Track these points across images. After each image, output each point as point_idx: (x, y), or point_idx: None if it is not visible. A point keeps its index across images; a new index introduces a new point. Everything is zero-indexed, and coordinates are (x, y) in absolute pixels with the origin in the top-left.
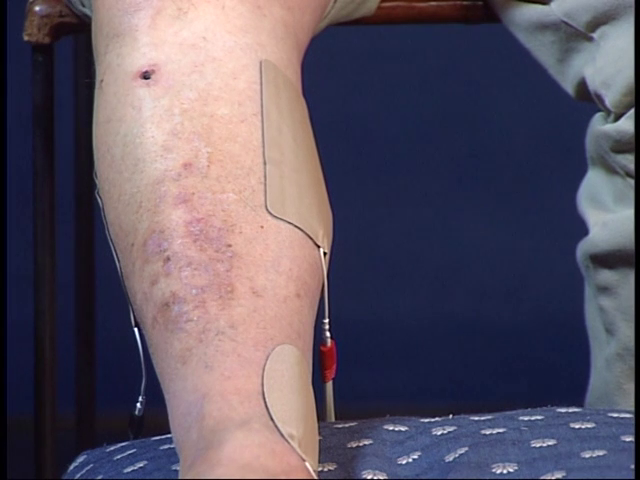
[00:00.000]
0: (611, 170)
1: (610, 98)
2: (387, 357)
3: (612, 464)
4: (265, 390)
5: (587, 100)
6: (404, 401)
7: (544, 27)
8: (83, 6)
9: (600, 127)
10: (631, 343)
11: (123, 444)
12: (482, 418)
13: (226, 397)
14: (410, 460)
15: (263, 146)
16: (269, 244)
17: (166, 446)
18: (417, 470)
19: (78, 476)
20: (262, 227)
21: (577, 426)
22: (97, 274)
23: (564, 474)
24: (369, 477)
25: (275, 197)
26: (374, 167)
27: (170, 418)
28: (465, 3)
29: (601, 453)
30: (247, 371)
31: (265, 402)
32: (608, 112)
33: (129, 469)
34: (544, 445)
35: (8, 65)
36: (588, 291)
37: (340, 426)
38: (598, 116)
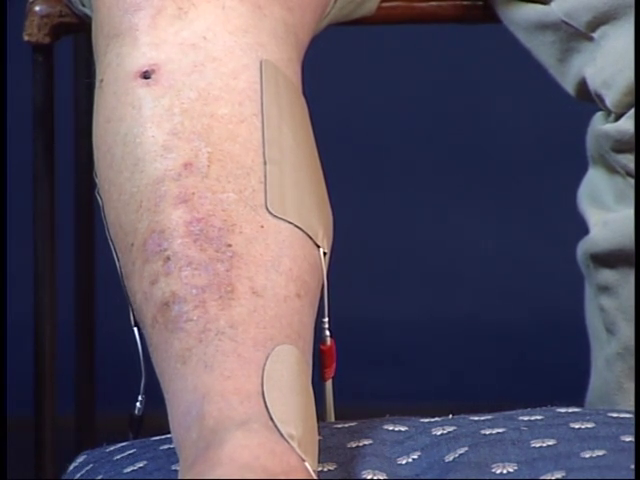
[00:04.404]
0: (612, 169)
1: (610, 98)
2: (387, 357)
3: (612, 464)
4: (265, 390)
5: (587, 100)
6: (404, 401)
7: (544, 27)
8: (83, 6)
9: (600, 127)
10: (631, 343)
11: (123, 444)
12: (482, 418)
13: (226, 397)
14: (410, 460)
15: (263, 146)
16: (269, 244)
17: (166, 446)
18: (417, 470)
19: (78, 476)
20: (262, 227)
21: (577, 426)
22: (97, 274)
23: (564, 474)
24: (369, 477)
25: (275, 197)
26: (374, 167)
27: (170, 418)
28: (465, 3)
29: (601, 453)
30: (247, 371)
31: (265, 402)
32: (608, 112)
33: (129, 469)
34: (544, 445)
35: (8, 65)
36: (588, 291)
37: (340, 426)
38: (599, 115)
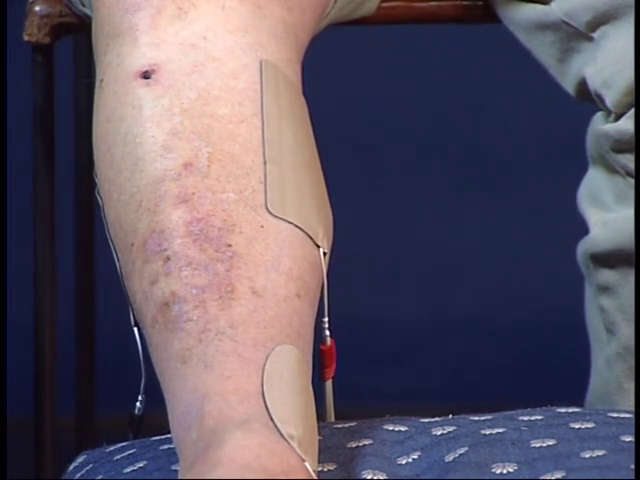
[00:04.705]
0: (612, 169)
1: (610, 98)
2: (387, 357)
3: (612, 464)
4: (265, 390)
5: (587, 100)
6: (404, 401)
7: (544, 27)
8: (83, 6)
9: (600, 127)
10: (631, 343)
11: (123, 444)
12: (482, 418)
13: (226, 397)
14: (410, 460)
15: (263, 146)
16: (269, 244)
17: (166, 446)
18: (417, 470)
19: (78, 476)
20: (262, 227)
21: (577, 426)
22: (97, 274)
23: (564, 474)
24: (369, 477)
25: (275, 197)
26: (374, 167)
27: (170, 418)
28: (465, 3)
29: (601, 453)
30: (247, 371)
31: (265, 402)
32: (608, 112)
33: (129, 469)
34: (544, 445)
35: (8, 65)
36: (588, 291)
37: (340, 426)
38: (598, 115)
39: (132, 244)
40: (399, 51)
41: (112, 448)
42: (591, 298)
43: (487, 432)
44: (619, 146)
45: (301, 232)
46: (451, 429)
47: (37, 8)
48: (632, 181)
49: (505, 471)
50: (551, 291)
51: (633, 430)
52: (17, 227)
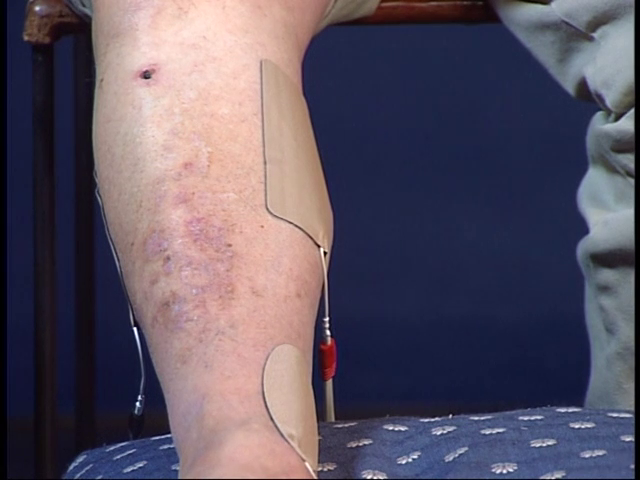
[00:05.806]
0: (612, 169)
1: (610, 98)
2: (387, 357)
3: (612, 464)
4: (265, 390)
5: (587, 100)
6: (404, 401)
7: (544, 27)
8: (83, 6)
9: (600, 126)
10: (631, 343)
11: (123, 444)
12: (482, 418)
13: (226, 397)
14: (410, 460)
15: (263, 146)
16: (269, 244)
17: (166, 446)
18: (417, 470)
19: (78, 476)
20: (262, 227)
21: (577, 426)
22: (97, 274)
23: (564, 474)
24: (369, 477)
25: (275, 197)
26: (374, 167)
27: (170, 418)
28: (465, 3)
29: (601, 453)
30: (247, 371)
31: (265, 402)
32: (608, 112)
33: (129, 469)
34: (544, 445)
35: (8, 65)
36: (588, 290)
37: (340, 426)
38: (599, 115)
39: (132, 244)
40: (399, 51)
41: (112, 448)
42: (591, 298)
43: (487, 432)
44: (619, 146)
45: (301, 232)
46: (451, 429)
47: (37, 8)
48: (632, 181)
49: (505, 471)
50: (551, 291)
51: (633, 430)
52: (17, 227)
